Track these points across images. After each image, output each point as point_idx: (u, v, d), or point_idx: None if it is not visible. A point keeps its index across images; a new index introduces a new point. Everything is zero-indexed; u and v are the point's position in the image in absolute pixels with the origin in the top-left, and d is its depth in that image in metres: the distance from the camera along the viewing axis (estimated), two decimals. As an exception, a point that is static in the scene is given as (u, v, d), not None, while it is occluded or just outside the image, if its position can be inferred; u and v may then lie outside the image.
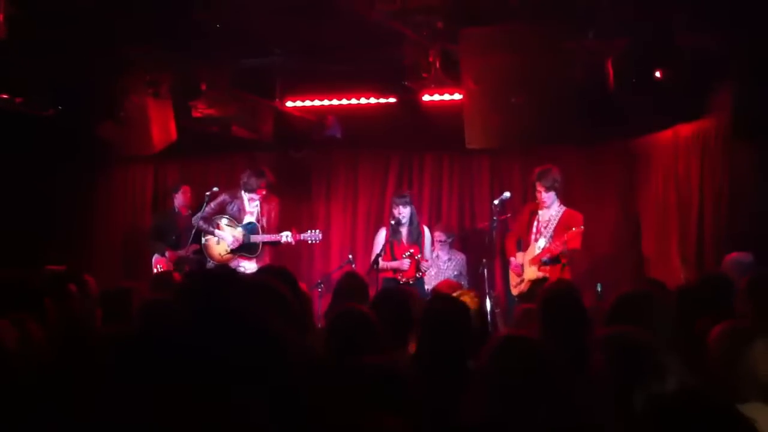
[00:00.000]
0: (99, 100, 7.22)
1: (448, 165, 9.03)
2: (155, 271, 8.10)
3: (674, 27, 5.66)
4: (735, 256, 5.43)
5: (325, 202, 9.28)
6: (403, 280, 6.96)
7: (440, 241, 7.96)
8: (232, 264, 7.37)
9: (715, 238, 6.80)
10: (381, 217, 8.91)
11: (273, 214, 7.67)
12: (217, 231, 7.54)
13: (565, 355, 3.14)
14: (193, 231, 7.70)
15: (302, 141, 8.78)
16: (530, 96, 6.18)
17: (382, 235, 7.38)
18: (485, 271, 7.12)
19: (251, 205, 7.62)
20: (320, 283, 7.69)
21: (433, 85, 7.12)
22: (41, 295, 3.70)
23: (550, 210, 6.79)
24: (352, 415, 1.77)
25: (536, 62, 6.10)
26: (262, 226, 7.57)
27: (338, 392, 2.04)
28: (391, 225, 7.13)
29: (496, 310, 6.87)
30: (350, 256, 7.90)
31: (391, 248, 7.19)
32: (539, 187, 6.77)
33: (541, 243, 6.72)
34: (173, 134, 7.61)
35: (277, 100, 8.18)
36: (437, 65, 6.73)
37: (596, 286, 6.76)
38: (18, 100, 7.13)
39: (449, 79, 6.80)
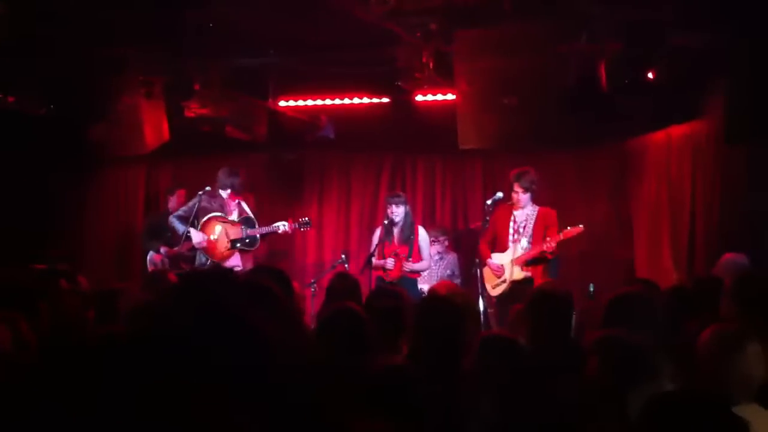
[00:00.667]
0: (92, 100, 7.21)
1: (441, 165, 9.04)
2: (151, 268, 8.08)
3: (667, 29, 5.68)
4: (730, 257, 5.43)
5: (318, 202, 9.28)
6: (388, 279, 6.95)
7: (433, 241, 7.95)
8: (231, 260, 7.37)
9: (706, 240, 6.83)
10: (374, 217, 8.92)
11: (251, 210, 7.67)
12: (209, 230, 7.51)
13: (553, 355, 3.16)
14: (182, 231, 7.67)
15: (295, 141, 8.77)
16: (523, 97, 6.20)
17: (377, 234, 7.39)
18: (478, 271, 7.12)
19: (233, 203, 7.60)
20: (313, 283, 7.69)
21: (426, 86, 7.13)
22: (33, 295, 3.69)
23: (525, 210, 6.83)
24: (343, 417, 1.77)
25: (529, 64, 6.12)
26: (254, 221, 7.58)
27: (330, 393, 2.04)
28: (384, 224, 7.13)
29: (489, 311, 6.87)
30: (343, 256, 7.89)
31: (383, 247, 7.19)
32: (517, 188, 6.81)
33: (524, 243, 6.75)
34: (166, 134, 7.59)
35: (270, 100, 8.17)
36: (431, 66, 6.74)
37: (588, 286, 6.78)
38: (10, 99, 7.12)
39: (442, 79, 6.81)
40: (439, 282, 6.64)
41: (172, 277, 4.89)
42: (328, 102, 8.33)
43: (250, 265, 7.27)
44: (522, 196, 6.78)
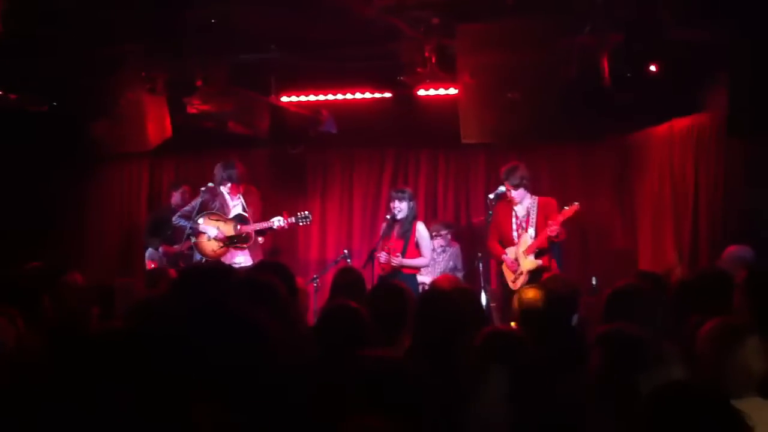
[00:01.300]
0: (94, 97, 7.22)
1: (444, 160, 9.03)
2: (148, 265, 8.09)
3: (669, 21, 5.66)
4: (735, 249, 5.42)
5: (320, 197, 9.28)
6: (383, 273, 6.94)
7: (437, 234, 7.94)
8: (226, 258, 7.35)
9: (710, 233, 6.82)
10: (377, 212, 8.92)
11: (254, 206, 7.65)
12: (201, 227, 7.50)
13: (556, 350, 3.16)
14: (187, 228, 7.69)
15: (298, 136, 8.77)
16: (526, 91, 6.19)
17: (382, 230, 7.38)
18: (481, 265, 7.12)
19: (234, 199, 7.60)
20: (316, 278, 7.69)
21: (428, 81, 7.11)
22: (35, 292, 3.70)
23: (524, 204, 6.82)
24: (340, 412, 1.77)
25: (532, 58, 6.11)
26: (249, 217, 7.56)
27: (329, 389, 2.04)
28: (387, 219, 7.12)
29: (492, 305, 6.88)
30: (346, 251, 7.89)
31: (384, 243, 7.18)
32: (507, 186, 6.80)
33: (531, 232, 6.74)
34: (169, 131, 7.60)
35: (272, 95, 8.16)
36: (433, 61, 6.73)
37: (591, 279, 6.78)
38: (12, 96, 7.12)
39: (445, 74, 6.80)
40: (441, 275, 6.63)
41: (173, 273, 4.90)
42: (330, 97, 8.32)
43: None
44: (514, 193, 6.78)
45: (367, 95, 8.27)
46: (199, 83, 7.31)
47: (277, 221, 7.40)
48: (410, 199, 7.05)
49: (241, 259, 7.40)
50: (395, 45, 6.91)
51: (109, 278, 5.89)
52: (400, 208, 7.00)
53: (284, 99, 8.29)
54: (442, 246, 8.04)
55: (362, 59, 7.56)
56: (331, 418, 1.80)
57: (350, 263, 7.38)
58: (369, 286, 5.02)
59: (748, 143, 6.39)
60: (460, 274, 7.74)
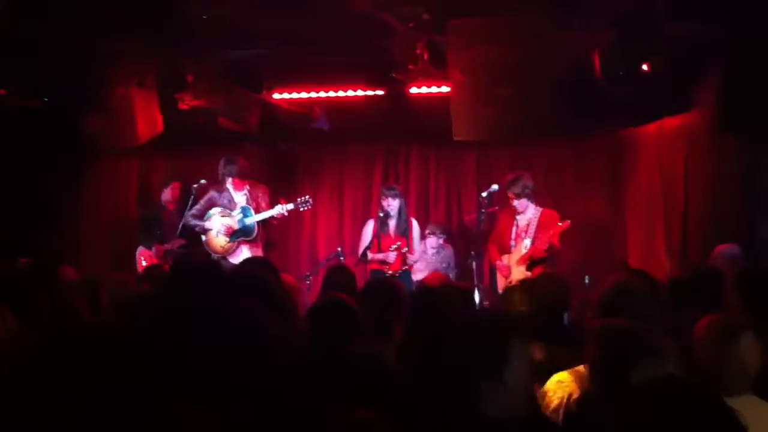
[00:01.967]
0: (84, 92, 7.17)
1: (435, 157, 9.02)
2: (139, 263, 8.06)
3: (661, 18, 5.66)
4: (724, 248, 5.46)
5: (311, 194, 9.22)
6: (390, 272, 6.96)
7: (431, 234, 7.95)
8: (236, 254, 7.36)
9: (700, 231, 6.83)
10: (368, 209, 8.90)
11: (263, 201, 7.67)
12: (207, 224, 7.52)
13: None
14: (180, 227, 7.69)
15: (289, 133, 8.74)
16: (517, 88, 6.18)
17: (369, 227, 7.37)
18: (473, 263, 7.13)
19: (239, 195, 7.61)
20: (308, 276, 7.68)
21: (420, 77, 7.10)
22: (26, 288, 3.67)
23: (527, 214, 6.83)
24: (333, 408, 1.76)
25: (523, 54, 6.09)
26: (254, 210, 7.58)
27: (321, 384, 2.03)
28: (379, 217, 7.12)
29: (485, 303, 6.88)
30: (339, 249, 7.89)
31: (378, 240, 7.18)
32: (510, 195, 6.81)
33: (527, 243, 6.75)
34: (159, 126, 7.56)
35: (264, 91, 8.14)
36: (425, 57, 6.71)
37: (584, 277, 6.79)
38: (2, 91, 7.07)
39: (437, 70, 6.78)
40: (431, 273, 6.64)
41: (167, 269, 4.88)
42: (321, 94, 8.31)
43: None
44: (517, 203, 6.79)
45: (359, 92, 8.25)
46: (190, 79, 7.27)
47: (279, 209, 7.42)
48: (401, 196, 7.07)
49: (249, 250, 7.42)
50: (387, 42, 6.89)
51: (100, 274, 5.86)
52: (392, 205, 7.01)
53: (276, 95, 8.27)
54: (434, 248, 8.04)
55: (354, 56, 7.54)
56: (323, 412, 1.79)
57: (343, 260, 7.37)
58: (361, 285, 5.01)
59: (738, 140, 6.41)
60: (452, 273, 7.74)
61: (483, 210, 6.97)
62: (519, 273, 6.69)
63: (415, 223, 7.17)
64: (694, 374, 2.71)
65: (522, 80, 6.14)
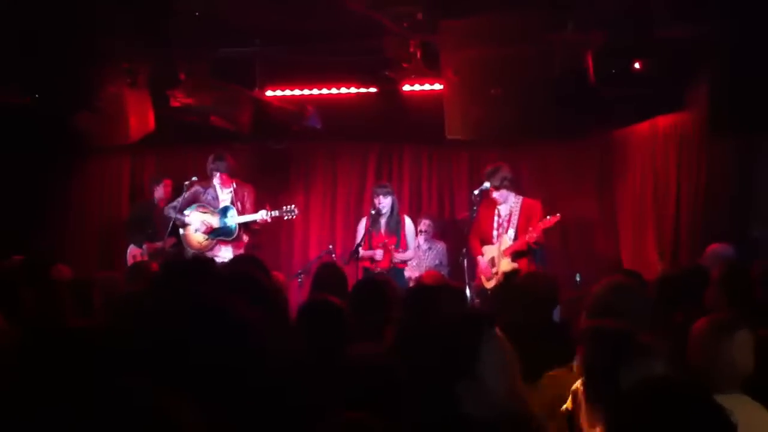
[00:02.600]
0: (75, 90, 7.13)
1: (428, 155, 9.03)
2: (130, 261, 8.03)
3: (653, 19, 5.68)
4: (716, 247, 5.46)
5: (304, 192, 9.24)
6: (377, 269, 6.95)
7: (422, 231, 7.95)
8: (212, 252, 7.32)
9: (691, 231, 6.85)
10: (360, 207, 8.90)
11: (248, 201, 7.61)
12: (186, 219, 7.48)
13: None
14: (170, 223, 7.66)
15: (281, 131, 8.73)
16: (509, 88, 6.18)
17: (362, 225, 7.37)
18: (465, 261, 7.13)
19: (224, 192, 7.58)
20: (300, 274, 7.67)
21: (413, 76, 7.10)
22: (15, 286, 3.65)
23: (508, 203, 6.84)
24: (324, 408, 1.76)
25: (516, 54, 6.10)
26: (237, 210, 7.53)
27: (312, 385, 2.03)
28: (371, 215, 7.11)
29: (476, 300, 6.88)
30: (330, 246, 7.89)
31: (370, 238, 7.18)
32: (490, 187, 6.81)
33: (511, 234, 6.76)
34: (151, 124, 7.53)
35: (256, 89, 8.12)
36: (418, 56, 6.71)
37: (575, 276, 6.80)
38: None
39: (430, 69, 6.78)
40: (427, 272, 6.64)
41: (155, 267, 4.86)
42: (314, 92, 8.29)
43: None
44: (496, 194, 6.81)
45: (352, 90, 8.25)
46: (182, 76, 7.25)
47: (261, 214, 7.38)
48: (393, 194, 7.07)
49: (226, 253, 7.36)
50: (381, 40, 6.89)
51: (90, 272, 5.84)
52: (384, 204, 7.01)
53: (269, 93, 8.25)
54: (427, 242, 8.03)
55: (347, 54, 7.54)
56: (314, 412, 1.78)
57: (334, 258, 7.37)
58: (353, 283, 5.00)
59: (730, 141, 6.43)
60: (444, 271, 7.74)
61: (475, 208, 6.97)
62: (506, 264, 6.69)
63: (408, 221, 7.16)
64: (684, 373, 2.72)
65: (514, 80, 6.15)
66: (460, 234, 7.92)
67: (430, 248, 8.03)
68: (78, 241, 9.40)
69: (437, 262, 7.99)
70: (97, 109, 7.14)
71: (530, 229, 6.62)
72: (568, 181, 8.45)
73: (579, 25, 6.00)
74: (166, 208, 7.62)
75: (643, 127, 7.63)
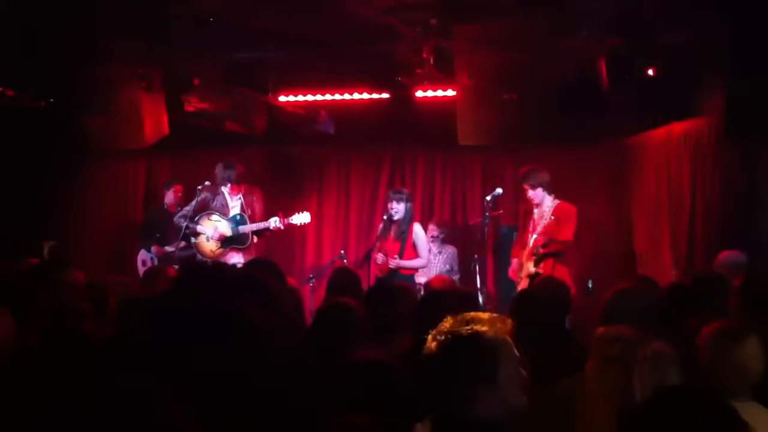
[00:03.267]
0: (91, 94, 7.19)
1: (441, 161, 9.02)
2: (140, 266, 8.07)
3: (666, 24, 5.66)
4: (728, 254, 5.44)
5: (317, 197, 9.26)
6: (380, 274, 6.94)
7: (433, 236, 7.95)
8: (225, 258, 7.35)
9: (706, 237, 6.81)
10: (373, 212, 8.90)
11: (257, 206, 7.64)
12: (198, 227, 7.51)
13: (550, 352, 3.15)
14: (182, 229, 7.69)
15: (295, 136, 8.75)
16: (523, 93, 6.18)
17: (379, 230, 7.37)
18: (477, 267, 7.11)
19: (234, 199, 7.60)
20: (311, 278, 7.68)
21: (426, 82, 7.10)
22: (30, 290, 3.67)
23: (543, 206, 6.78)
24: (333, 412, 1.76)
25: (529, 60, 6.10)
26: (249, 217, 7.55)
27: (323, 388, 2.03)
28: (384, 220, 7.11)
29: (488, 307, 6.87)
30: (342, 251, 7.89)
31: (380, 243, 7.17)
32: (525, 187, 6.78)
33: (535, 236, 6.73)
34: (166, 128, 7.58)
35: (269, 94, 8.15)
36: (431, 62, 6.72)
37: (587, 282, 6.77)
38: (9, 93, 7.09)
39: (443, 75, 6.79)
40: (434, 277, 6.63)
41: (172, 272, 4.88)
42: (327, 97, 8.32)
43: None
44: (531, 193, 6.74)
45: (365, 95, 8.26)
46: (196, 81, 7.29)
47: (274, 222, 7.40)
48: (407, 201, 7.05)
49: (238, 259, 7.39)
50: (394, 46, 6.90)
51: (102, 276, 5.87)
52: (397, 209, 7.00)
53: (282, 98, 8.28)
54: (438, 248, 8.02)
55: (361, 59, 7.55)
56: (318, 414, 1.79)
57: (346, 264, 7.37)
58: (365, 287, 5.01)
59: (745, 147, 6.39)
60: (455, 276, 7.73)
61: (487, 214, 6.96)
62: (527, 269, 6.64)
63: (418, 228, 7.10)
64: (696, 380, 2.70)
65: (528, 85, 6.15)
66: (472, 240, 7.91)
67: (440, 252, 8.03)
68: (92, 244, 9.44)
69: (447, 267, 7.97)
70: (112, 113, 7.20)
71: (542, 232, 6.59)
72: (581, 188, 8.41)
73: (592, 31, 5.99)
74: (176, 217, 7.65)
75: (657, 133, 7.60)
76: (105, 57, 6.87)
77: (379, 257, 6.91)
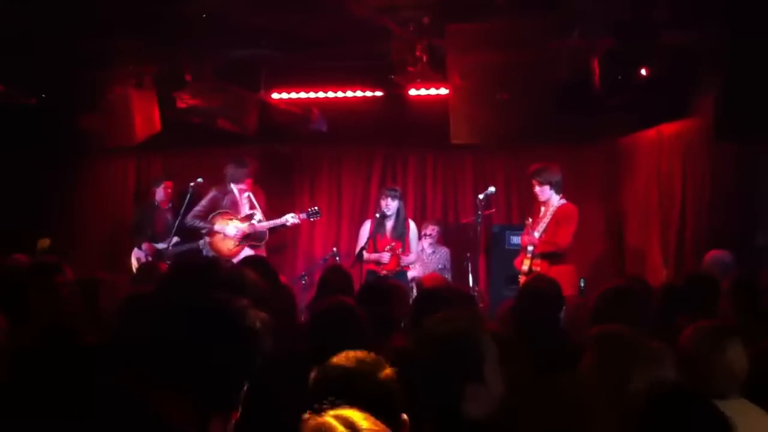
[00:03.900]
0: (82, 91, 7.17)
1: (433, 160, 9.03)
2: (133, 263, 8.05)
3: (659, 25, 5.68)
4: (715, 254, 5.47)
5: (309, 195, 9.25)
6: (384, 272, 6.96)
7: (426, 235, 7.96)
8: (238, 256, 7.37)
9: (695, 237, 6.85)
10: (365, 210, 8.91)
11: (262, 203, 7.70)
12: (216, 226, 7.52)
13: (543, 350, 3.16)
14: (176, 225, 7.68)
15: (287, 134, 8.74)
16: (515, 93, 6.19)
17: (366, 228, 7.38)
18: (469, 265, 7.13)
19: (243, 197, 7.61)
20: (304, 276, 7.69)
21: (419, 80, 7.11)
22: (22, 288, 3.66)
23: (549, 206, 6.79)
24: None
25: (522, 60, 6.11)
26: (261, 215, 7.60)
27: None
28: (377, 217, 7.12)
29: (480, 305, 6.88)
30: (335, 249, 7.90)
31: (374, 241, 7.19)
32: (533, 182, 6.80)
33: (536, 234, 6.76)
34: (157, 125, 7.56)
35: (262, 92, 8.14)
36: (424, 60, 6.72)
37: (579, 281, 6.80)
38: (0, 88, 7.07)
39: (436, 74, 6.79)
40: (427, 275, 6.65)
41: (164, 268, 4.87)
42: (320, 95, 8.31)
43: None
44: (539, 189, 6.76)
45: (358, 94, 8.26)
46: (188, 78, 7.28)
47: (291, 218, 7.44)
48: (400, 198, 7.09)
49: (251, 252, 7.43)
50: (387, 44, 6.90)
51: (93, 274, 5.85)
52: (391, 207, 7.02)
53: (274, 96, 8.27)
54: (432, 248, 8.04)
55: (354, 58, 7.55)
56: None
57: (339, 261, 7.38)
58: (357, 285, 5.02)
59: (736, 148, 6.43)
60: (448, 275, 7.75)
61: (480, 212, 6.98)
62: (527, 264, 6.66)
63: (412, 225, 7.18)
64: (686, 378, 2.73)
65: (520, 85, 6.16)
66: (464, 239, 7.93)
67: (434, 252, 8.05)
68: (83, 242, 9.41)
69: (440, 266, 8.00)
70: (103, 110, 7.18)
71: (531, 232, 6.62)
72: (573, 188, 8.43)
73: (585, 32, 6.01)
74: (189, 218, 7.64)
75: (649, 134, 7.63)
76: (96, 55, 6.85)
77: (385, 256, 6.94)
